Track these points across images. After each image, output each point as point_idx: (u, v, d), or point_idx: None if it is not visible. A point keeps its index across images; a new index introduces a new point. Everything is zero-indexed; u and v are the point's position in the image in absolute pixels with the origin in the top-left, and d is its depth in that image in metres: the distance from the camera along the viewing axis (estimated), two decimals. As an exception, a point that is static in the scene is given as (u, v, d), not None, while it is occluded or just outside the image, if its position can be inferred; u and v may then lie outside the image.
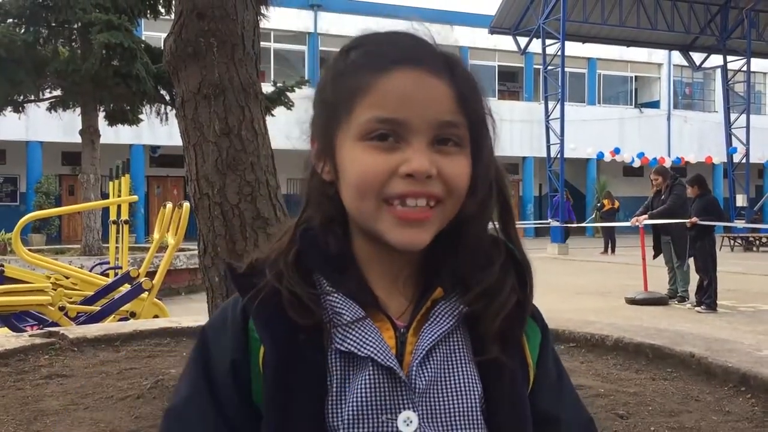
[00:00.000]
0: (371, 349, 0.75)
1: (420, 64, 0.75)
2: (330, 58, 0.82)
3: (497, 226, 0.84)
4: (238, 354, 0.79)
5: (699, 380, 3.71)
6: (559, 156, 19.57)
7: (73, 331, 4.73)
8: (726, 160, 24.41)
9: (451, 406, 0.77)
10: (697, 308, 8.61)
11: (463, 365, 0.79)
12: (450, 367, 0.78)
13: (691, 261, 9.08)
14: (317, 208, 0.82)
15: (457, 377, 0.78)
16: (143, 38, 13.88)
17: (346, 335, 0.76)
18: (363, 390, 0.75)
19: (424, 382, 0.76)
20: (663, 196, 9.33)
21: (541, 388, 0.85)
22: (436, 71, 0.75)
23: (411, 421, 0.74)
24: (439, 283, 0.80)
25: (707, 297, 8.57)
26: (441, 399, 0.77)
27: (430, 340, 0.78)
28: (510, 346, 0.81)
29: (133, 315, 6.16)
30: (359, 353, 0.75)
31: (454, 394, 0.77)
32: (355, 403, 0.74)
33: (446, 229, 0.78)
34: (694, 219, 8.68)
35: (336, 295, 0.78)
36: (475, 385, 0.79)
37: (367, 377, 0.75)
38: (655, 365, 4.00)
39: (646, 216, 9.38)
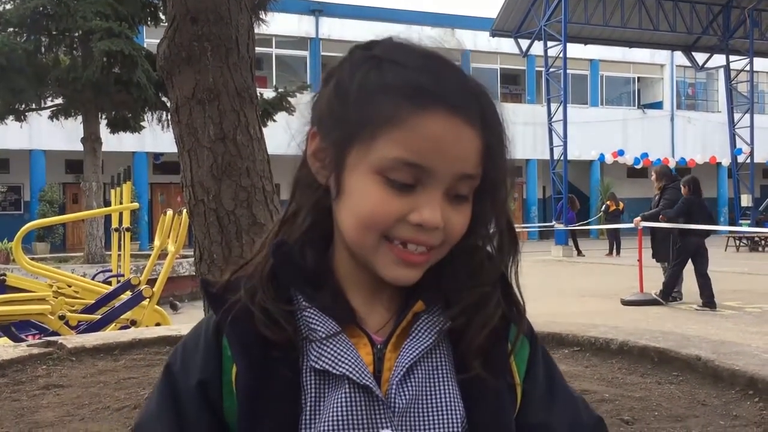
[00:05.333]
0: (346, 366, 0.72)
1: (458, 110, 0.70)
2: (356, 55, 0.75)
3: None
4: (208, 373, 0.76)
5: (706, 384, 3.64)
6: (562, 158, 19.53)
7: (72, 340, 4.68)
8: (730, 160, 24.32)
9: (432, 426, 0.74)
10: (694, 307, 8.68)
11: (446, 383, 0.76)
12: (431, 385, 0.75)
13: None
14: (304, 202, 0.79)
15: (438, 396, 0.75)
16: (144, 45, 13.87)
17: (321, 352, 0.73)
18: (338, 409, 0.71)
19: (404, 401, 0.73)
20: (657, 197, 9.38)
21: (530, 402, 0.81)
22: (472, 120, 0.71)
23: None
24: (420, 296, 0.76)
25: (702, 296, 8.66)
26: (421, 419, 0.74)
27: (411, 357, 0.74)
28: (494, 363, 0.77)
29: (133, 323, 6.13)
30: (334, 371, 0.72)
31: (436, 413, 0.74)
32: (329, 423, 0.71)
33: None
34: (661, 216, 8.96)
35: (311, 310, 0.75)
36: (457, 404, 0.75)
37: (343, 396, 0.72)
38: (661, 369, 3.94)
39: (639, 219, 9.54)
